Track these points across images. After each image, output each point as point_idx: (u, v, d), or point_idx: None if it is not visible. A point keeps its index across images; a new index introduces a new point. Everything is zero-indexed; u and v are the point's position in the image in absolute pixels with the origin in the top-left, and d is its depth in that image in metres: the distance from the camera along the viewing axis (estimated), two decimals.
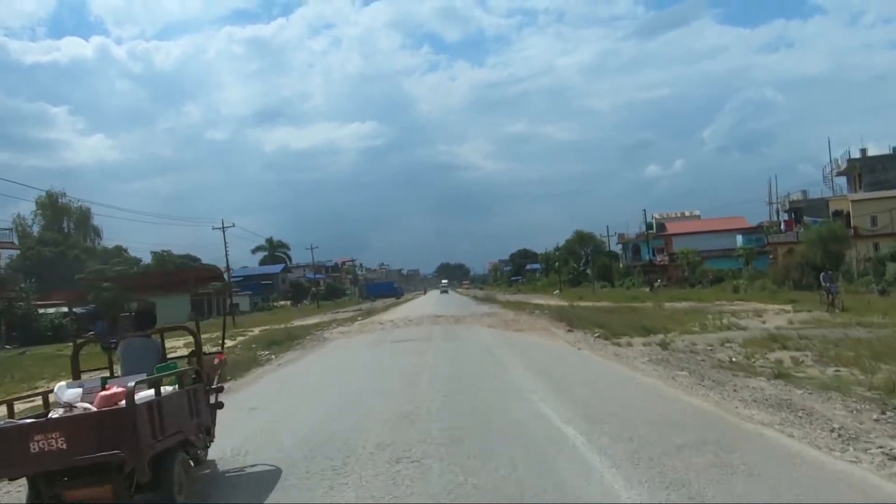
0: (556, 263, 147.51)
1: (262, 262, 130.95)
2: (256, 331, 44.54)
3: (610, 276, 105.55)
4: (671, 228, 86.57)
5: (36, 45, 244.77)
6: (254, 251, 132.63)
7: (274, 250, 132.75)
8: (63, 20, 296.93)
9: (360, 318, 47.63)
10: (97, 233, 78.39)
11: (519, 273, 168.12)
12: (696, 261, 70.93)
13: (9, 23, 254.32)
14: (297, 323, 52.95)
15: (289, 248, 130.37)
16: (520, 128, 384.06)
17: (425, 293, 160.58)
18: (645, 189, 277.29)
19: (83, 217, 76.78)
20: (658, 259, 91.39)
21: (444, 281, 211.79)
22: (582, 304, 51.57)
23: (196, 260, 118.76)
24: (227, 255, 67.21)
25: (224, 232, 66.14)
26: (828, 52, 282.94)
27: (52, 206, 73.85)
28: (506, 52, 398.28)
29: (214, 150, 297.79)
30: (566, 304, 52.67)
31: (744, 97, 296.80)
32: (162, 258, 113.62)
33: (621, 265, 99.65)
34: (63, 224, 76.51)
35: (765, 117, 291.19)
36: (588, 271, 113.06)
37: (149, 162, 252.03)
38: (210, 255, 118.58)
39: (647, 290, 73.87)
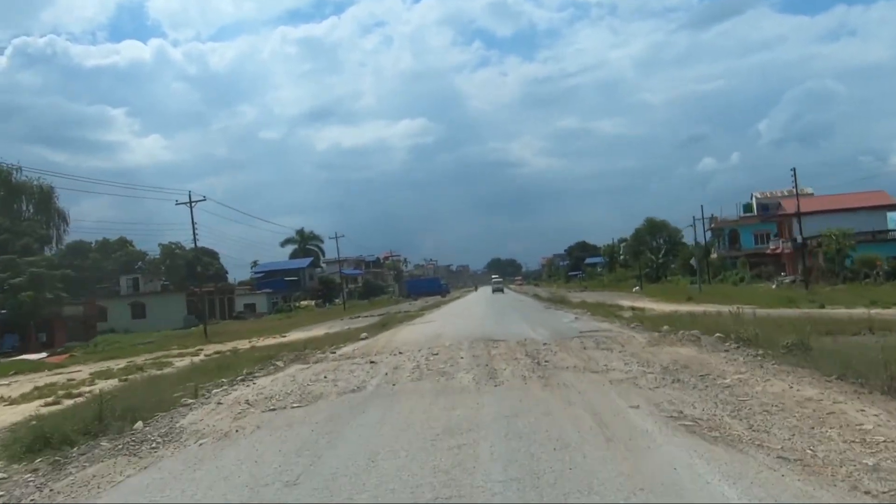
0: (623, 256, 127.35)
1: (293, 257, 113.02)
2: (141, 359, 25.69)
3: (698, 270, 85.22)
4: (788, 207, 65.82)
5: (96, 48, 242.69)
6: (283, 244, 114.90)
7: (305, 243, 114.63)
8: (122, 23, 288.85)
9: (361, 336, 28.66)
10: (63, 217, 60.85)
11: (577, 268, 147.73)
12: (849, 245, 50.11)
13: (71, 28, 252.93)
14: (269, 341, 35.16)
15: (322, 241, 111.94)
16: (571, 123, 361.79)
17: (476, 290, 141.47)
18: (700, 184, 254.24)
19: (44, 197, 59.25)
20: (771, 247, 70.71)
21: (495, 277, 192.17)
22: (706, 308, 32.71)
23: (213, 255, 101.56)
24: (195, 236, 48.30)
25: (191, 207, 47.41)
26: (892, 40, 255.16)
27: (5, 184, 56.47)
28: (557, 46, 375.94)
29: (268, 149, 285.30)
30: (682, 308, 34.21)
31: (802, 88, 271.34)
32: (171, 251, 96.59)
33: (715, 255, 78.88)
34: (20, 206, 59.15)
35: (824, 109, 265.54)
36: (666, 263, 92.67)
37: (203, 162, 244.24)
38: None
39: (773, 286, 53.55)
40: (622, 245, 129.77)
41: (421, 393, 12.09)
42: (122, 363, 30.79)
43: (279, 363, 19.53)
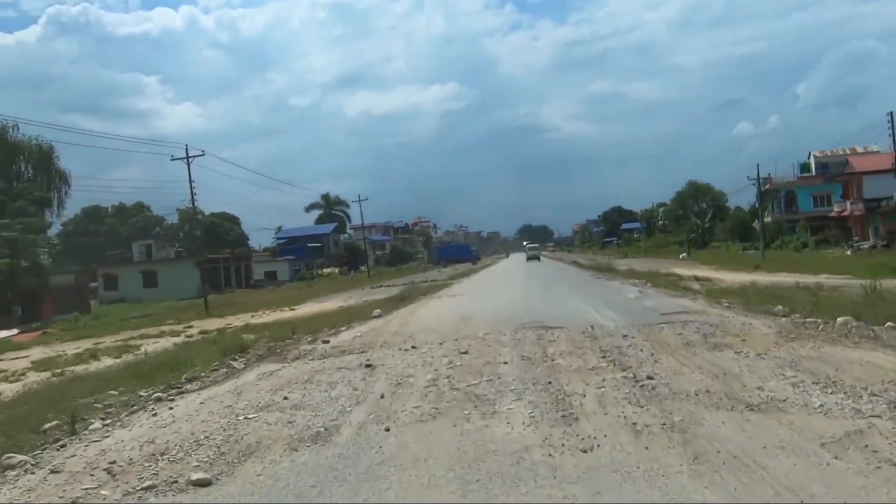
0: (662, 222, 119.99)
1: (319, 223, 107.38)
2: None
3: (762, 235, 78.04)
4: (857, 165, 58.48)
5: (129, 16, 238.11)
6: (308, 209, 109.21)
7: (331, 208, 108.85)
8: None
9: (373, 315, 22.63)
10: (65, 179, 55.53)
11: (613, 234, 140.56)
12: None
13: None
14: (273, 316, 29.48)
15: (348, 206, 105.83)
16: (604, 87, 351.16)
17: (507, 256, 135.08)
18: (736, 149, 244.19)
19: (43, 157, 53.92)
20: (836, 209, 63.40)
21: (529, 243, 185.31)
22: (783, 278, 26.83)
23: (234, 220, 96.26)
24: (192, 195, 42.49)
25: (188, 163, 41.57)
26: None
27: (1, 142, 51.16)
28: (589, 8, 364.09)
29: (299, 116, 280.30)
30: (755, 278, 29.01)
31: (841, 50, 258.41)
32: (189, 216, 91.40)
33: (769, 219, 71.67)
34: (18, 166, 53.85)
35: (864, 71, 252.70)
36: (712, 229, 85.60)
37: (235, 129, 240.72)
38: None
39: (846, 252, 46.75)
40: (661, 210, 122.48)
41: (431, 462, 6.02)
42: (87, 344, 25.36)
43: (239, 363, 13.53)
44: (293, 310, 36.90)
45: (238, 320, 33.79)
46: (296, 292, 54.88)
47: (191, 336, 24.91)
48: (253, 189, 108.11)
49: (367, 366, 11.58)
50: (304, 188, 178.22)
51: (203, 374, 12.47)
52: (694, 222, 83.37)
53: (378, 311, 23.87)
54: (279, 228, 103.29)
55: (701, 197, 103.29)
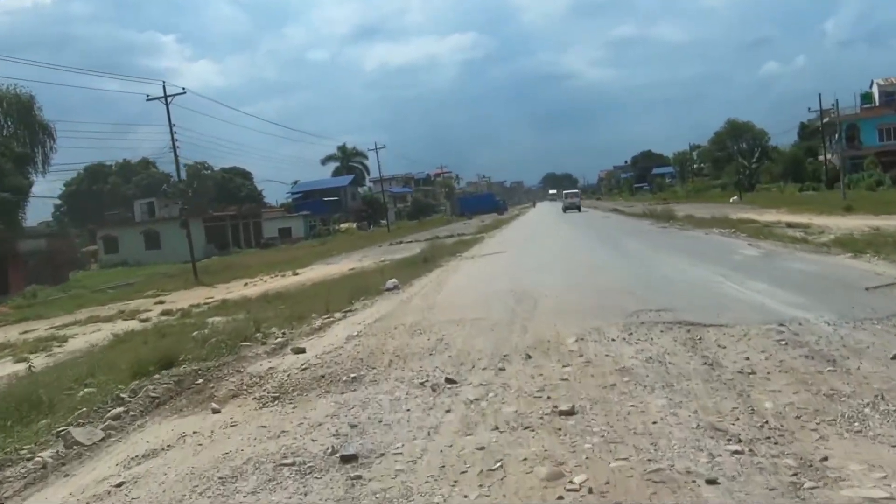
0: (698, 164, 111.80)
1: (336, 175, 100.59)
2: None
3: (843, 172, 70.24)
4: None
5: None
6: (324, 161, 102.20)
7: (348, 160, 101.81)
8: None
9: (386, 286, 16.02)
10: (49, 133, 49.01)
11: (643, 179, 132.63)
12: None
13: None
14: (272, 284, 23.26)
15: (366, 158, 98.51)
16: (626, 31, 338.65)
17: (535, 206, 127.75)
18: (764, 89, 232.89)
19: (23, 109, 47.39)
20: None
21: (551, 191, 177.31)
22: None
23: (246, 176, 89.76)
24: (173, 141, 35.49)
25: (167, 104, 34.71)
26: None
27: None
28: None
29: (316, 71, 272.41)
30: (866, 223, 23.32)
31: None
32: (197, 172, 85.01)
33: (830, 156, 63.80)
34: None
35: (893, 5, 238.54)
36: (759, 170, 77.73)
37: (253, 85, 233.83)
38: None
39: None
40: (695, 153, 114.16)
41: None
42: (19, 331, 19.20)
43: (93, 431, 6.93)
44: (296, 274, 30.61)
45: (227, 290, 27.58)
46: (307, 251, 48.55)
47: (146, 319, 18.54)
48: (270, 142, 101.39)
49: (346, 460, 4.93)
50: (322, 139, 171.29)
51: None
52: (740, 163, 75.44)
53: (393, 281, 17.26)
54: (295, 183, 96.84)
55: (741, 137, 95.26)
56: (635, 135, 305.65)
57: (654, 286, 11.57)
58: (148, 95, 35.34)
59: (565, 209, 68.34)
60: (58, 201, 79.38)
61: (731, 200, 59.12)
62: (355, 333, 10.04)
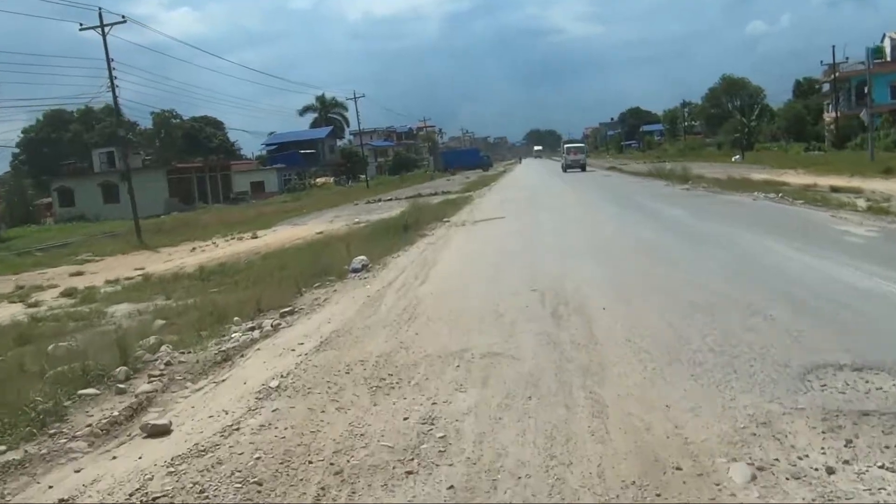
0: (688, 122, 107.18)
1: (314, 127, 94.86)
2: None
3: (804, 133, 66.00)
4: None
5: None
6: (301, 112, 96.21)
7: (327, 111, 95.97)
8: None
9: (352, 267, 11.60)
10: None
11: (632, 137, 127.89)
12: None
13: None
14: (229, 248, 18.76)
15: (346, 109, 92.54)
16: None
17: (521, 162, 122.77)
18: (748, 48, 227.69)
19: None
20: None
21: (537, 147, 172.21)
22: None
23: (217, 125, 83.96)
24: (111, 78, 30.02)
25: (104, 35, 29.25)
26: None
27: None
28: None
29: (299, 20, 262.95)
30: None
31: None
32: (165, 120, 79.20)
33: (836, 115, 59.45)
34: None
35: None
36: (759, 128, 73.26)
37: (235, 35, 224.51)
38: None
39: None
40: (685, 109, 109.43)
41: None
42: None
43: None
44: (256, 237, 26.00)
45: (169, 256, 22.96)
46: (277, 208, 43.78)
47: (35, 304, 13.87)
48: (251, 93, 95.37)
49: None
50: (304, 87, 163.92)
51: None
52: (739, 120, 70.94)
53: (362, 259, 12.80)
54: (271, 135, 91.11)
55: (736, 93, 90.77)
56: (620, 92, 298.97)
57: (776, 291, 7.13)
58: (81, 24, 29.92)
59: (566, 168, 52.85)
60: (16, 150, 73.64)
61: (732, 160, 54.75)
62: (275, 386, 5.52)
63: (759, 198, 18.85)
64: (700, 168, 36.71)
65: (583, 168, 51.64)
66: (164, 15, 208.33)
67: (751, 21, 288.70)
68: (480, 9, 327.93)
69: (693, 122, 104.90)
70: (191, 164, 56.98)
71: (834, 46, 53.85)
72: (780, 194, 19.01)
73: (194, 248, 24.09)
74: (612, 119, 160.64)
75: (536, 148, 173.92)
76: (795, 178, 27.32)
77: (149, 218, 47.85)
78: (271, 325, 8.20)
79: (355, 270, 12.50)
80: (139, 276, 16.97)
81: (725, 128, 73.59)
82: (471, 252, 13.09)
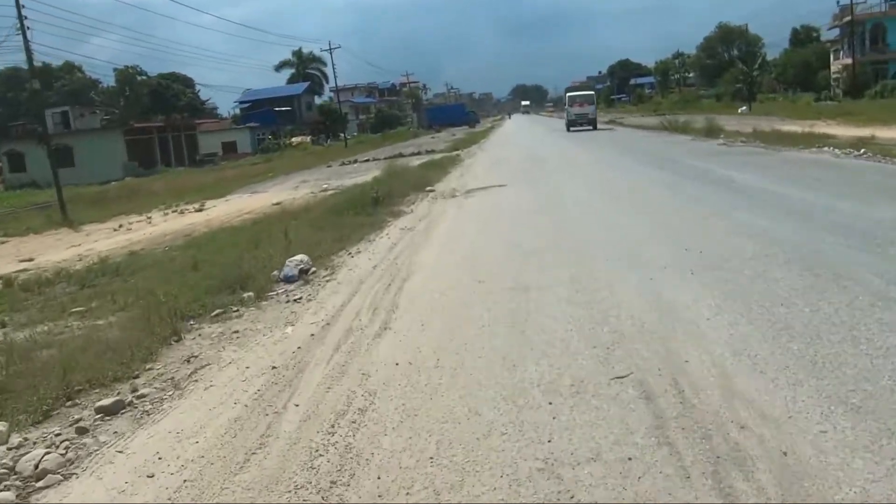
0: (681, 74, 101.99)
1: (291, 83, 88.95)
2: None
3: (811, 82, 61.24)
4: None
5: None
6: (278, 68, 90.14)
7: (305, 66, 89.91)
8: None
9: (273, 281, 7.16)
10: None
11: (621, 90, 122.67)
12: None
13: None
14: (153, 227, 15.22)
15: (324, 64, 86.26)
16: None
17: (510, 118, 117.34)
18: (737, 2, 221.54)
19: None
20: None
21: (524, 102, 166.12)
22: None
23: (188, 82, 78.05)
24: (23, 30, 24.67)
25: None
26: None
27: None
28: None
29: None
30: None
31: None
32: (130, 77, 73.24)
33: (848, 61, 54.64)
34: None
35: None
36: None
37: None
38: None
39: None
40: (677, 60, 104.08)
41: None
42: None
43: None
44: (201, 210, 21.27)
45: (87, 237, 18.22)
46: (242, 171, 38.89)
47: None
48: (229, 48, 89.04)
49: None
50: (285, 40, 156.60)
51: None
52: (740, 70, 65.95)
53: (299, 260, 8.21)
54: (246, 92, 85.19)
55: (733, 43, 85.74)
56: (606, 45, 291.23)
57: None
58: None
59: (571, 125, 40.56)
60: None
61: (738, 111, 50.19)
62: None
63: (840, 155, 14.29)
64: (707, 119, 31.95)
65: (593, 125, 39.23)
66: None
67: None
68: None
69: (687, 74, 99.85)
70: (152, 124, 51.62)
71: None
72: (862, 151, 14.44)
73: (121, 226, 19.31)
74: (599, 73, 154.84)
75: (524, 103, 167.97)
76: (838, 129, 22.79)
77: (105, 183, 43.02)
78: (35, 468, 3.63)
79: (287, 280, 7.96)
80: (14, 272, 12.30)
81: (726, 78, 68.67)
82: (466, 249, 8.46)
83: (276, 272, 8.20)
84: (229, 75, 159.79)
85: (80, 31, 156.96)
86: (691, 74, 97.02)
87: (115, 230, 18.73)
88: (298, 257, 8.45)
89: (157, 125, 51.54)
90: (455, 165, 22.74)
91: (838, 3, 51.89)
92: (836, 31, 58.11)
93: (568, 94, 46.39)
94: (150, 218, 20.65)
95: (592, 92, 47.09)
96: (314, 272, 8.16)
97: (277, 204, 19.91)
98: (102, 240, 16.78)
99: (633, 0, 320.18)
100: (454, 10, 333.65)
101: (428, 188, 15.51)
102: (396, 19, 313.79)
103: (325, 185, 23.90)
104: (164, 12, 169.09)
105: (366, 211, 12.65)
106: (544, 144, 31.00)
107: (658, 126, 31.64)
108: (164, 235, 16.03)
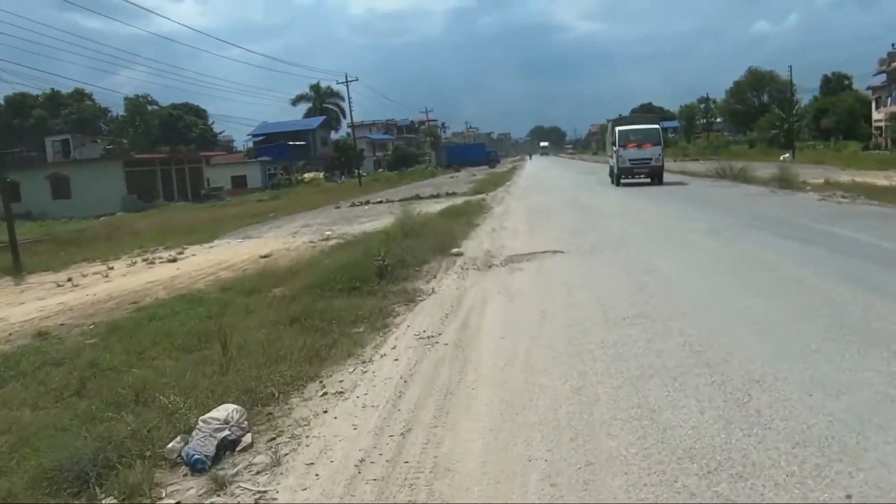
0: (706, 119, 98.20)
1: (308, 117, 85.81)
2: None
3: (854, 130, 57.15)
4: None
5: None
6: (294, 102, 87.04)
7: (322, 101, 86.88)
8: None
9: None
10: None
11: None
12: None
13: None
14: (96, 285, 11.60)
15: (342, 99, 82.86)
16: None
17: (530, 158, 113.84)
18: (753, 47, 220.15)
19: None
20: None
21: (543, 143, 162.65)
22: None
23: (200, 113, 75.09)
24: None
25: None
26: None
27: None
28: None
29: (303, 13, 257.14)
30: None
31: None
32: (140, 106, 70.32)
33: (881, 112, 50.65)
34: None
35: None
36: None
37: (239, 27, 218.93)
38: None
39: None
40: (703, 105, 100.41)
41: None
42: None
43: None
44: (174, 260, 17.29)
45: (29, 290, 14.30)
46: (244, 209, 35.16)
47: None
48: (251, 82, 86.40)
49: None
50: (302, 74, 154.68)
51: None
52: (776, 115, 62.07)
53: (226, 417, 4.19)
54: (260, 125, 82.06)
55: (763, 88, 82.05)
56: (625, 88, 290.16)
57: None
58: None
59: (623, 176, 27.68)
60: None
61: (781, 158, 46.06)
62: None
63: None
64: (764, 167, 27.92)
65: (657, 177, 27.13)
66: (168, 8, 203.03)
67: (757, 20, 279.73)
68: (486, 5, 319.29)
69: (713, 119, 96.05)
70: (154, 156, 48.15)
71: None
72: None
73: (69, 280, 15.31)
74: (619, 115, 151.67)
75: (543, 144, 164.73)
76: None
77: (99, 217, 39.49)
78: None
79: (193, 464, 3.96)
80: None
81: (760, 124, 64.82)
82: (547, 406, 4.41)
83: (176, 441, 4.20)
84: (251, 109, 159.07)
85: (105, 62, 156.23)
86: (718, 119, 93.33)
87: (59, 285, 14.85)
88: (224, 410, 4.43)
89: (160, 156, 48.04)
90: (482, 215, 18.76)
91: (893, 45, 47.97)
92: (882, 77, 54.21)
93: (617, 129, 28.68)
94: (111, 269, 16.75)
95: (657, 126, 29.82)
96: (247, 448, 4.15)
97: (266, 256, 16.04)
98: (30, 302, 12.87)
99: (651, 44, 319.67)
100: (475, 52, 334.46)
101: (453, 250, 11.49)
102: (416, 59, 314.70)
103: (329, 232, 20.08)
104: (191, 44, 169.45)
105: (367, 286, 8.67)
106: (585, 189, 27.03)
107: (711, 173, 27.52)
108: (107, 300, 12.06)
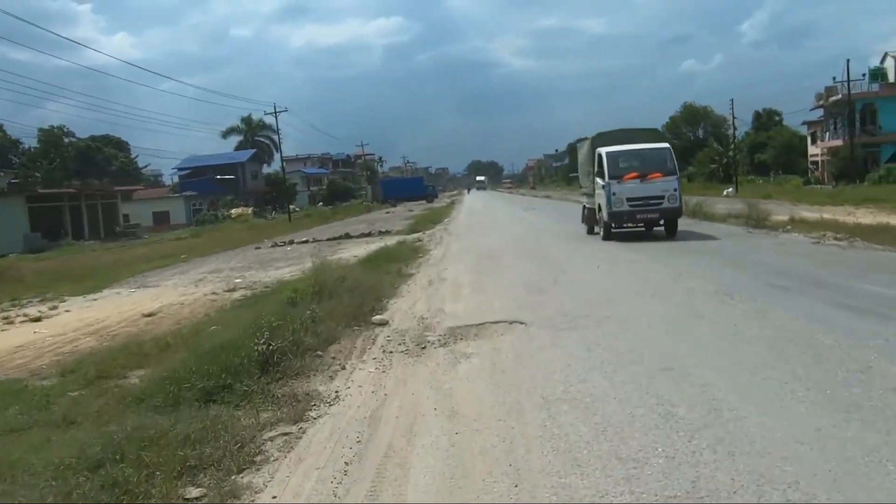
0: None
1: (238, 150, 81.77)
2: None
3: (794, 165, 56.55)
4: None
5: None
6: (225, 135, 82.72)
7: (253, 134, 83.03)
8: None
9: None
10: None
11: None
12: None
13: None
14: None
15: (275, 132, 78.94)
16: (553, 22, 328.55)
17: (468, 192, 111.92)
18: (683, 85, 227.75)
19: None
20: None
21: (479, 178, 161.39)
22: None
23: (122, 145, 70.59)
24: None
25: None
26: None
27: None
28: None
29: (241, 48, 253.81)
30: None
31: None
32: (55, 138, 65.52)
33: (838, 142, 50.07)
34: None
35: (809, 6, 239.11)
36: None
37: (174, 60, 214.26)
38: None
39: None
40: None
41: None
42: None
43: None
44: (37, 320, 13.86)
45: None
46: (157, 249, 31.50)
47: None
48: (185, 115, 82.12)
49: None
50: (237, 105, 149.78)
51: None
52: (715, 150, 61.38)
53: None
54: (187, 158, 77.66)
55: (698, 123, 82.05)
56: (561, 123, 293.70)
57: None
58: None
59: (614, 223, 17.42)
60: None
61: (724, 193, 44.76)
62: None
63: None
64: (728, 203, 25.95)
65: (672, 226, 17.26)
66: (101, 40, 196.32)
67: (685, 60, 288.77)
68: (422, 41, 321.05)
69: None
70: (63, 191, 43.81)
71: (848, 60, 44.29)
72: None
73: None
74: (556, 150, 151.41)
75: (479, 178, 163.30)
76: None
77: (3, 255, 35.14)
78: None
79: None
80: None
81: (699, 159, 64.06)
82: None
83: None
84: (184, 143, 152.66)
85: (30, 94, 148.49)
86: None
87: None
88: None
89: (69, 191, 43.74)
90: (417, 260, 15.90)
91: (833, 80, 47.41)
92: (818, 113, 53.94)
93: (602, 151, 17.87)
94: None
95: (666, 145, 18.79)
96: None
97: (150, 315, 12.85)
98: None
99: (585, 81, 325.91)
100: (412, 87, 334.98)
101: (375, 317, 8.55)
102: (355, 93, 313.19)
103: (238, 280, 16.98)
104: (124, 77, 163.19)
105: (242, 383, 5.71)
106: (535, 228, 24.53)
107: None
108: None
